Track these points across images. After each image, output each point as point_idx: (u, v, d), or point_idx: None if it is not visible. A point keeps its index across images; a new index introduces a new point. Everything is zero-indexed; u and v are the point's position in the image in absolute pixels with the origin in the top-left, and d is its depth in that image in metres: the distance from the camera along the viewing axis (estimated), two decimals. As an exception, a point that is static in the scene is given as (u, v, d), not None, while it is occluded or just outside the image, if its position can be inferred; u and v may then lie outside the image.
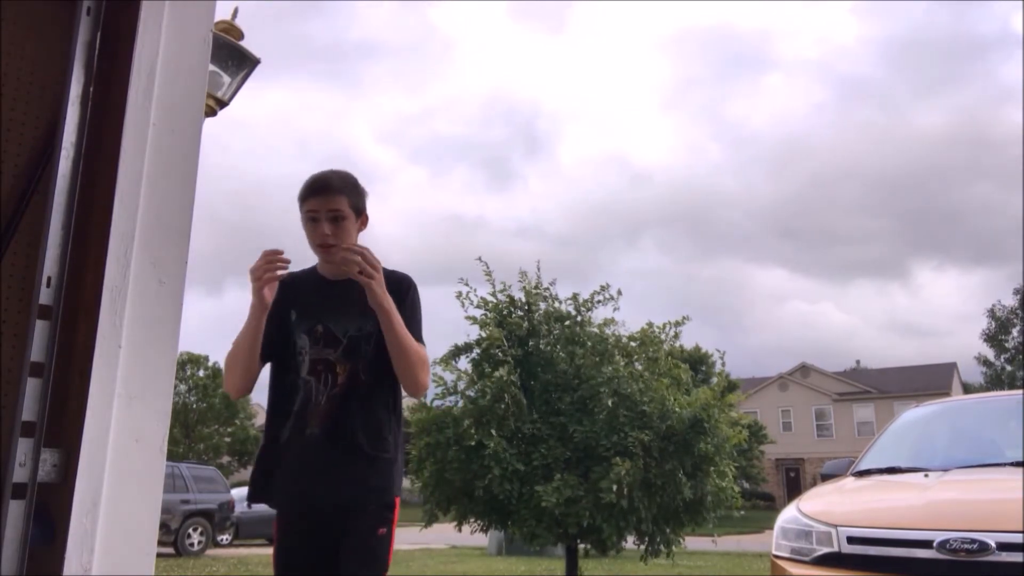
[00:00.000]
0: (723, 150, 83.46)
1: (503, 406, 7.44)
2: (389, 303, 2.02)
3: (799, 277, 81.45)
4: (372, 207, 2.27)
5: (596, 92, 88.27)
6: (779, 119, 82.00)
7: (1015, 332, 38.50)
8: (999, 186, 69.98)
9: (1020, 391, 5.16)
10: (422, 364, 2.15)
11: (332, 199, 2.11)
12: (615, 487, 6.92)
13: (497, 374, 7.46)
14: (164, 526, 12.92)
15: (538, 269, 8.56)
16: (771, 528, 4.39)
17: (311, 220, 2.12)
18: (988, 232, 72.04)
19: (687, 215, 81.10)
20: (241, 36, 4.03)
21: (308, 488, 2.10)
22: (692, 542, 9.88)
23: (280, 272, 2.05)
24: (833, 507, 4.01)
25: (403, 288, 2.19)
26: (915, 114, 78.16)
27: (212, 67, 3.88)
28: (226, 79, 4.03)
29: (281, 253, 2.04)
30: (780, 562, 3.93)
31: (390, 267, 2.19)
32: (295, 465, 2.10)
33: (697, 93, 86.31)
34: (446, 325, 8.23)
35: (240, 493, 17.92)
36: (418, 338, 2.15)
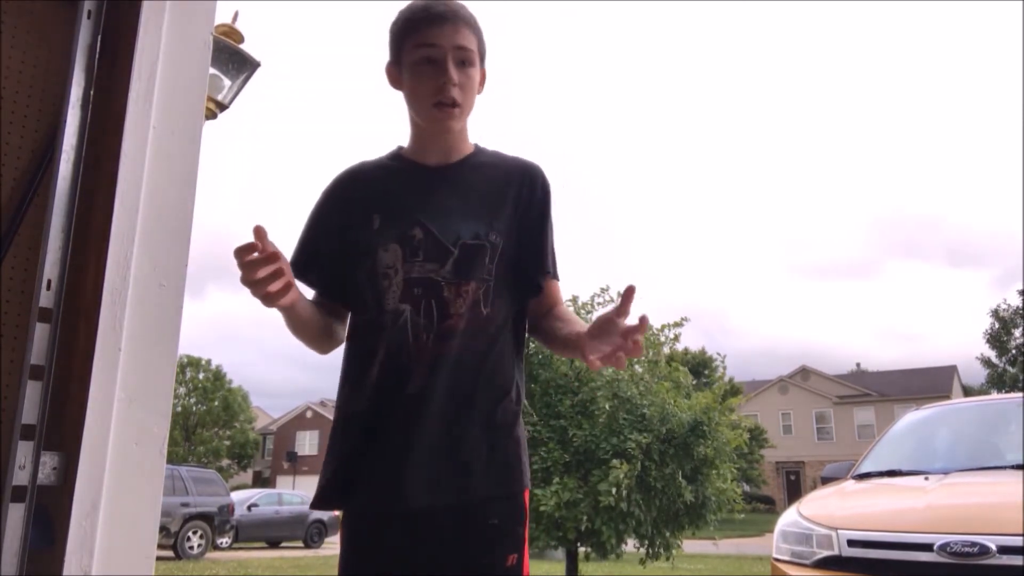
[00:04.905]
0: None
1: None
2: None
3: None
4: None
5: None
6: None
7: (1017, 333, 38.43)
8: None
9: (1020, 394, 5.16)
10: None
11: (461, 32, 1.38)
12: (614, 490, 6.93)
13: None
14: (164, 529, 12.91)
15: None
16: (771, 531, 4.38)
17: (427, 62, 1.38)
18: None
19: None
20: (241, 39, 4.04)
21: (405, 480, 1.33)
22: (692, 545, 9.87)
23: (275, 273, 1.23)
24: (834, 510, 4.01)
25: (534, 181, 1.50)
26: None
27: (212, 70, 3.89)
28: (226, 82, 4.04)
29: (256, 247, 1.21)
30: (781, 565, 3.93)
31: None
32: (393, 442, 1.35)
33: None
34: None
35: (239, 496, 17.93)
36: (554, 273, 1.51)
